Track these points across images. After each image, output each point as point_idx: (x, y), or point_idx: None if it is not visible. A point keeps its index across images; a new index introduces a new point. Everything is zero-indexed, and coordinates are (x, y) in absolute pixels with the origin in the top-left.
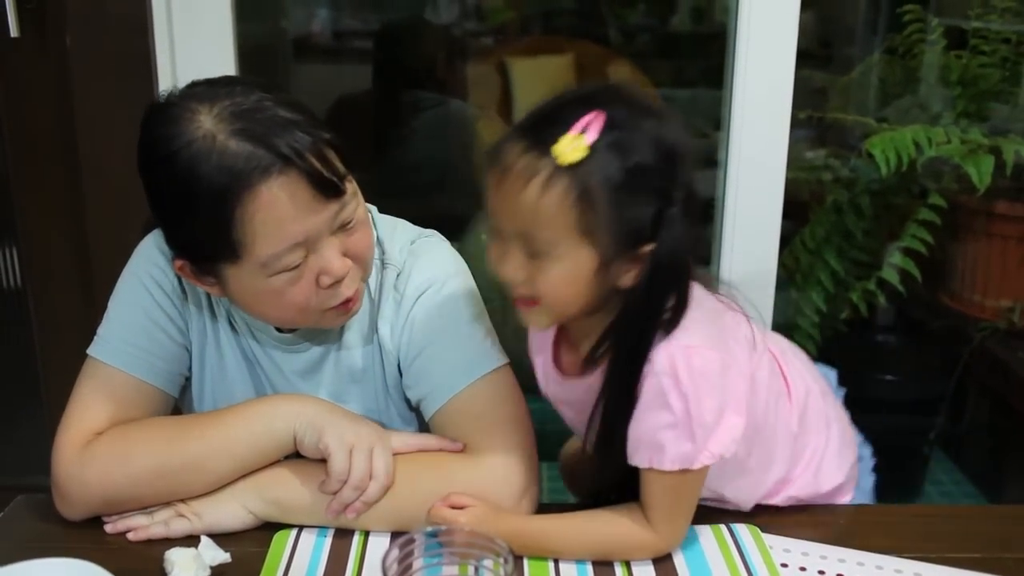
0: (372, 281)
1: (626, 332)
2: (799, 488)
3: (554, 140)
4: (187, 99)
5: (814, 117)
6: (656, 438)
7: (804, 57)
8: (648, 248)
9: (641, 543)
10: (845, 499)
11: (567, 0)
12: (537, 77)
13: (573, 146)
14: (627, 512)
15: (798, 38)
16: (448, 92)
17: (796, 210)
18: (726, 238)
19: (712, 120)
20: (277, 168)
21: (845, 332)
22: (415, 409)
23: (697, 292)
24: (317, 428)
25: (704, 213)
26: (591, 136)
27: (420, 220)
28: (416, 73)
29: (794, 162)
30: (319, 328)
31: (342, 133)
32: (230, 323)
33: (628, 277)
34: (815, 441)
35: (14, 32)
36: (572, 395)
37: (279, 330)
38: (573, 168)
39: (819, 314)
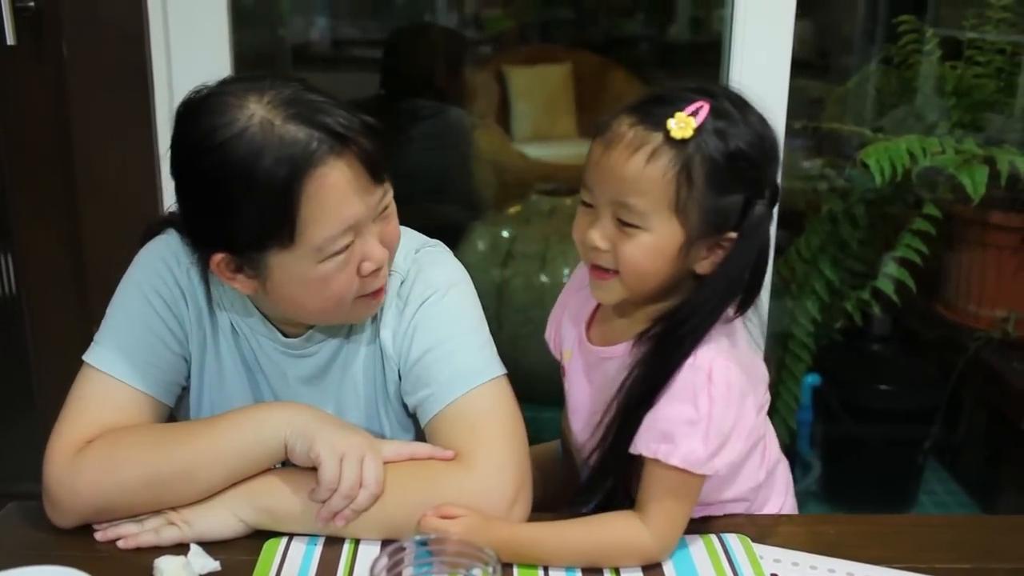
0: None
1: (691, 314)
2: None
3: (665, 117)
4: (228, 91)
5: (810, 127)
6: (671, 429)
7: (801, 67)
8: (731, 236)
9: (635, 547)
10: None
11: (565, 10)
12: (535, 86)
13: (683, 123)
14: (621, 517)
15: (795, 48)
16: (446, 100)
17: (792, 219)
18: None
19: None
20: (336, 150)
21: (840, 341)
22: (413, 415)
23: (737, 322)
24: (308, 436)
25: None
26: (700, 118)
27: (418, 228)
28: (415, 81)
29: (790, 171)
30: (327, 332)
31: None
32: (233, 331)
33: (706, 263)
34: (773, 502)
35: (10, 40)
36: (594, 371)
37: (285, 335)
38: (680, 144)
39: (814, 323)
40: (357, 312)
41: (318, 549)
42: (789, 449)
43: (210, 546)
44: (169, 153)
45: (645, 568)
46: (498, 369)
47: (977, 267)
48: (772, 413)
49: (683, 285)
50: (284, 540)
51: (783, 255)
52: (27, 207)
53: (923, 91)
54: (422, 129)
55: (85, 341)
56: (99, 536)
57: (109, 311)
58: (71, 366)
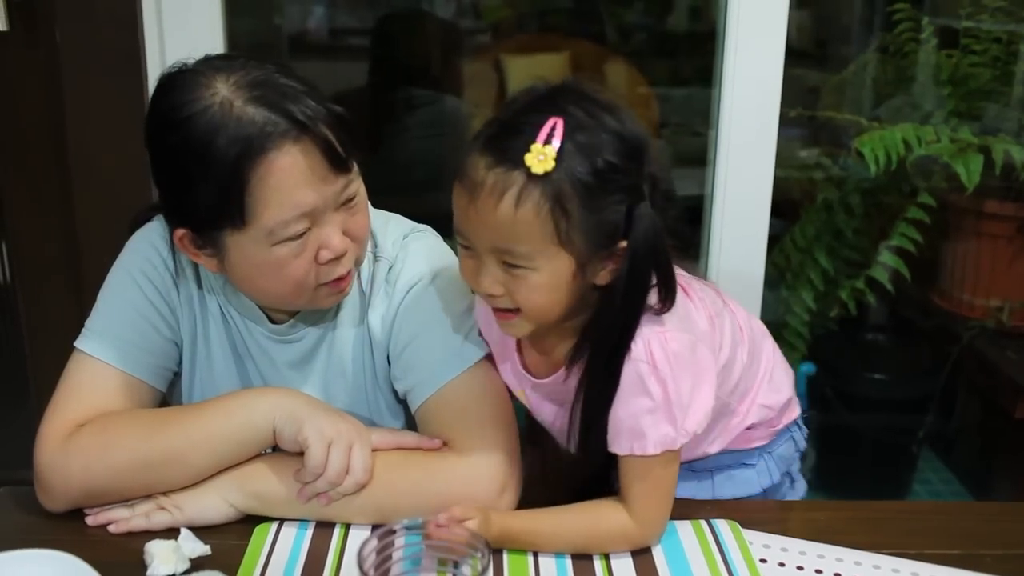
0: (364, 273)
1: (609, 326)
2: (764, 397)
3: (520, 151)
4: (201, 68)
5: (806, 116)
6: (637, 424)
7: (798, 56)
8: (623, 244)
9: (623, 534)
10: (795, 415)
11: None
12: (533, 75)
13: (542, 156)
14: (610, 504)
15: (792, 37)
16: (443, 89)
17: (787, 209)
18: (714, 236)
19: (707, 119)
20: (293, 135)
21: (835, 331)
22: (403, 401)
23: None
24: (296, 421)
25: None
26: (556, 143)
27: (414, 217)
28: (411, 70)
29: (786, 161)
30: (313, 318)
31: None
32: (222, 315)
33: (605, 274)
34: (764, 359)
35: (3, 26)
36: (551, 395)
37: (272, 321)
38: (545, 177)
39: (809, 313)
40: (321, 299)
41: (308, 534)
42: None
43: (201, 531)
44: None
45: (635, 556)
46: (479, 353)
47: (972, 256)
48: None
49: (590, 296)
50: (274, 525)
51: (778, 244)
52: (21, 195)
53: (919, 80)
54: (418, 118)
55: (79, 329)
56: (90, 520)
57: (100, 297)
58: (66, 354)
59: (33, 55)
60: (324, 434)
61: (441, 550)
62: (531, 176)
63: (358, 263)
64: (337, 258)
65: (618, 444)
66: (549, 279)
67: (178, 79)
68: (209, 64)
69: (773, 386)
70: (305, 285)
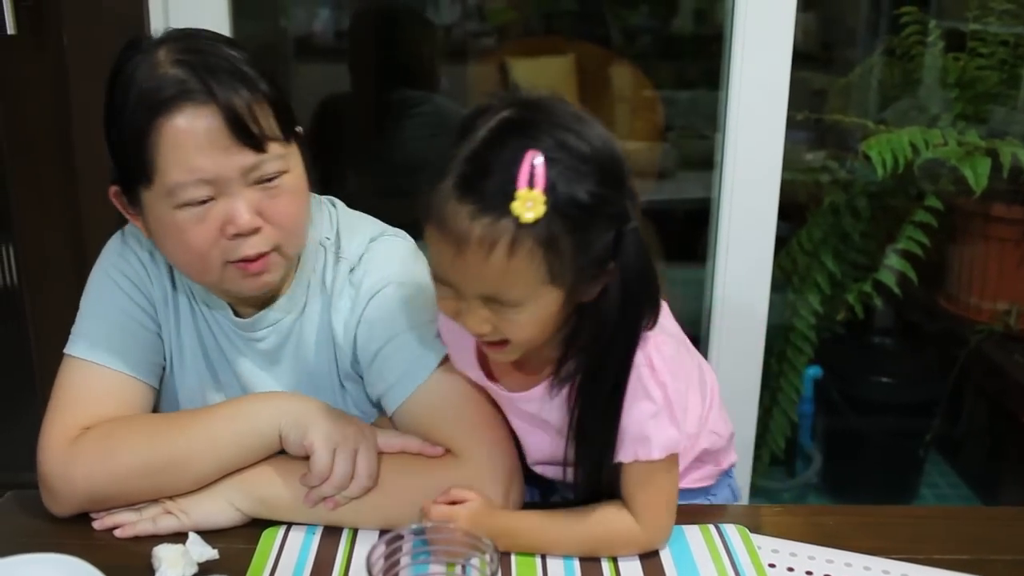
0: (328, 275)
1: (602, 340)
2: (713, 424)
3: (502, 197)
4: (161, 36)
5: (812, 119)
6: (642, 431)
7: (804, 59)
8: (611, 266)
9: (630, 539)
10: (733, 459)
11: (568, 1)
12: (538, 78)
13: (530, 202)
14: (616, 509)
15: (798, 40)
16: (445, 91)
17: (794, 212)
18: (721, 239)
19: (713, 122)
20: (200, 99)
21: (842, 334)
22: (377, 404)
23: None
24: (302, 426)
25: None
26: (540, 183)
27: (412, 221)
28: (416, 74)
29: (793, 164)
30: (276, 315)
31: (332, 133)
32: (192, 311)
33: (591, 293)
34: (710, 387)
35: (11, 30)
36: (525, 408)
37: (236, 314)
38: (535, 225)
39: (816, 316)
40: (232, 281)
41: (316, 538)
42: (790, 441)
43: (208, 535)
44: None
45: (644, 560)
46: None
47: (979, 260)
48: (774, 405)
49: (573, 312)
50: (282, 529)
51: (785, 247)
52: (28, 198)
53: (926, 83)
54: (417, 120)
55: None
56: (97, 525)
57: (83, 303)
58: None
59: (41, 58)
60: (329, 439)
61: (449, 554)
62: (520, 225)
63: (286, 255)
64: (244, 235)
65: (623, 452)
66: (538, 314)
67: (136, 42)
68: (167, 34)
69: (720, 415)
70: (210, 258)
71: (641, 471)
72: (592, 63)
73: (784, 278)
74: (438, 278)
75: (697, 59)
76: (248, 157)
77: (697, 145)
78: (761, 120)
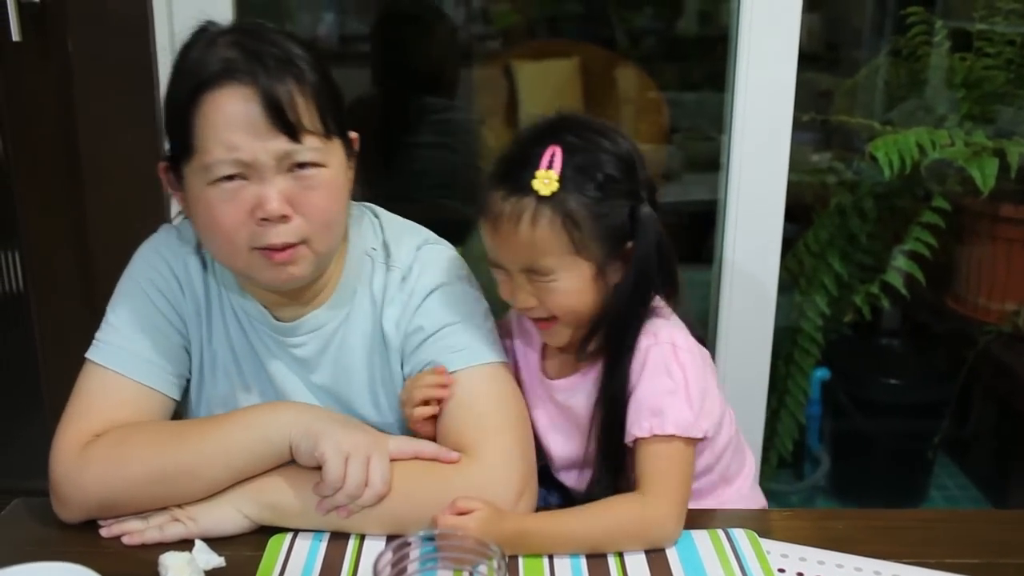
0: (377, 283)
1: (622, 317)
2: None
3: (528, 179)
4: (225, 27)
5: (819, 120)
6: (658, 404)
7: (810, 60)
8: (630, 245)
9: (642, 528)
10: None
11: (573, 4)
12: (543, 81)
13: (546, 180)
14: (625, 500)
15: (803, 40)
16: (453, 96)
17: (800, 213)
18: (728, 241)
19: (718, 123)
20: (242, 79)
21: (849, 335)
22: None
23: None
24: (312, 436)
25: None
26: (557, 166)
27: (424, 225)
28: (421, 77)
29: (798, 165)
30: (317, 322)
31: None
32: (225, 320)
33: (617, 272)
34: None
35: (16, 36)
36: (566, 399)
37: (276, 319)
38: (552, 198)
39: (823, 317)
40: (258, 269)
41: (323, 545)
42: (798, 443)
43: (215, 542)
44: None
45: (652, 564)
46: (498, 355)
47: (987, 260)
48: (781, 407)
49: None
50: (289, 536)
51: (792, 249)
52: (33, 203)
53: (932, 83)
54: (428, 125)
55: (92, 337)
56: (104, 532)
57: (110, 308)
58: (79, 363)
59: (46, 65)
60: (341, 448)
61: (456, 561)
62: (540, 198)
63: (316, 250)
64: (272, 222)
65: (638, 426)
66: (573, 284)
67: (203, 27)
68: (236, 23)
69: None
70: (237, 241)
71: (656, 451)
72: (597, 65)
73: (791, 280)
74: (491, 263)
75: (702, 61)
76: (282, 144)
77: (702, 147)
78: (767, 121)
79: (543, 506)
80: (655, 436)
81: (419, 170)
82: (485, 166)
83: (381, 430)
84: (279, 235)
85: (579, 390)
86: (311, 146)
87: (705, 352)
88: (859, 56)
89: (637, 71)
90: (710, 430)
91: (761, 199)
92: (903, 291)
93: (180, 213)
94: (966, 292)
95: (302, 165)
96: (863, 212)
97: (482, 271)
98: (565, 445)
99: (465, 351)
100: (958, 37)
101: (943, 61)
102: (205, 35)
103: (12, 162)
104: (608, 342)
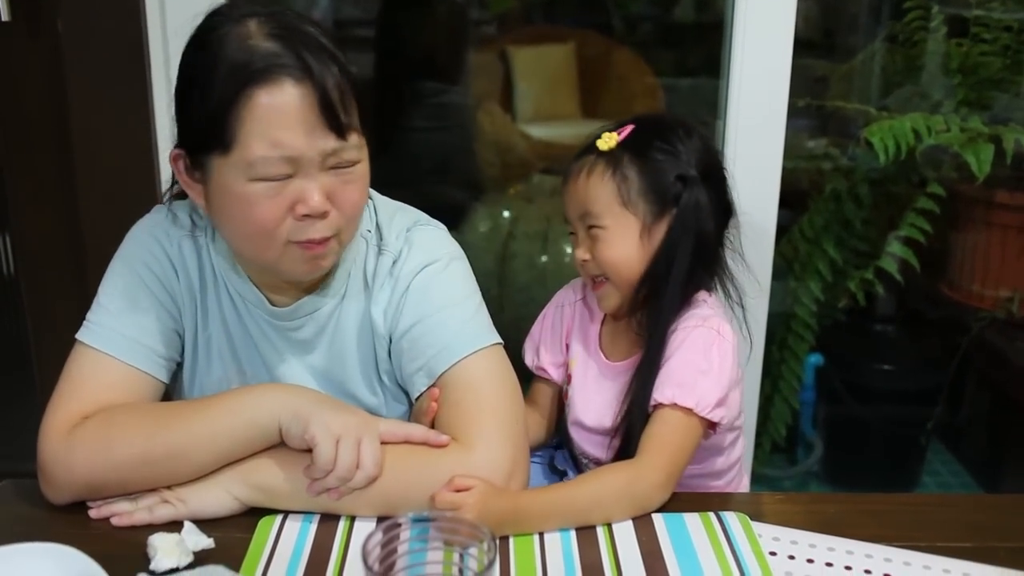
0: (370, 267)
1: (661, 282)
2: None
3: (595, 140)
4: (244, 9)
5: (814, 106)
6: (685, 378)
7: (806, 46)
8: (673, 211)
9: (625, 478)
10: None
11: None
12: (539, 66)
13: (608, 138)
14: (618, 465)
15: (799, 26)
16: (449, 80)
17: (795, 199)
18: None
19: (713, 109)
20: (296, 75)
21: (843, 321)
22: (405, 390)
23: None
24: (302, 419)
25: None
26: (624, 134)
27: (419, 209)
28: (417, 61)
29: (794, 151)
30: (315, 304)
31: None
32: (220, 303)
33: (659, 233)
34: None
35: (4, 16)
36: (618, 379)
37: (275, 305)
38: (608, 153)
39: (817, 303)
40: (292, 263)
41: (313, 527)
42: (791, 429)
43: (204, 524)
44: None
45: (643, 548)
46: (489, 338)
47: (981, 247)
48: (775, 393)
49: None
50: (279, 518)
51: (786, 235)
52: (24, 187)
53: (928, 69)
54: (424, 109)
55: (84, 321)
56: (93, 513)
57: (101, 289)
58: (70, 346)
59: (35, 45)
60: (331, 430)
61: (446, 542)
62: (600, 153)
63: (342, 242)
64: (313, 217)
65: (662, 392)
66: (619, 236)
67: (220, 10)
68: (254, 7)
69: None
70: (275, 236)
71: (666, 418)
72: (593, 51)
73: (785, 265)
74: (565, 218)
75: (697, 47)
76: (330, 141)
77: None
78: (762, 107)
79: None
80: (675, 405)
81: (413, 154)
82: (480, 150)
83: (376, 413)
84: (319, 230)
85: (626, 372)
86: (353, 143)
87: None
88: (855, 42)
89: (633, 57)
90: (726, 419)
91: (756, 185)
92: (897, 277)
93: (168, 192)
94: (960, 278)
95: (344, 163)
96: (858, 198)
97: (476, 255)
98: (600, 408)
99: (451, 345)
100: (955, 23)
101: (940, 47)
102: (230, 22)
103: (2, 145)
104: (651, 315)
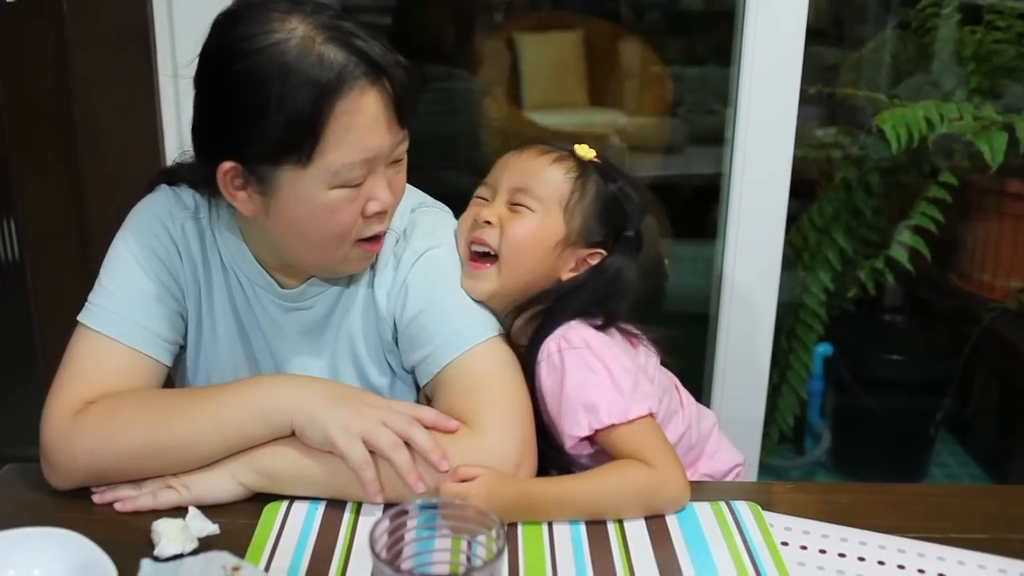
0: None
1: (551, 306)
2: (705, 467)
3: (572, 146)
4: (272, 6)
5: (824, 94)
6: (587, 399)
7: (816, 34)
8: (600, 253)
9: (653, 487)
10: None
11: None
12: (546, 53)
13: (587, 149)
14: (633, 463)
15: (810, 13)
16: (456, 66)
17: (805, 188)
18: (732, 216)
19: (722, 97)
20: (371, 77)
21: (852, 311)
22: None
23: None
24: (319, 426)
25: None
26: (599, 157)
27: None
28: (424, 47)
29: (803, 140)
30: (323, 286)
31: None
32: (228, 285)
33: (569, 271)
34: (710, 441)
35: None
36: None
37: (281, 287)
38: (582, 161)
39: (826, 293)
40: (352, 259)
41: (319, 513)
42: (799, 419)
43: (209, 509)
44: (197, 59)
45: (653, 538)
46: (494, 329)
47: (993, 236)
48: (783, 383)
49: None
50: (284, 504)
51: (796, 224)
52: (28, 170)
53: (940, 57)
54: (430, 95)
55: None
56: (97, 499)
57: (103, 271)
58: (74, 329)
59: (39, 26)
60: (349, 428)
61: (455, 530)
62: (573, 154)
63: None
64: (381, 214)
65: (577, 426)
66: (540, 229)
67: (249, 12)
68: (279, 3)
69: (714, 461)
70: (347, 238)
71: (622, 433)
72: (600, 38)
73: (794, 255)
74: (486, 182)
75: (706, 34)
76: (398, 135)
77: (705, 120)
78: (773, 95)
79: None
80: (613, 425)
81: (418, 140)
82: (486, 137)
83: (382, 394)
84: (383, 223)
85: None
86: (406, 134)
87: (626, 339)
88: (863, 30)
89: (641, 44)
90: (653, 407)
91: (766, 173)
92: (908, 266)
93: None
94: (971, 268)
95: (400, 155)
96: (868, 187)
97: None
98: None
99: (459, 334)
100: (968, 10)
101: (952, 34)
102: (285, 32)
103: (6, 127)
104: (529, 334)
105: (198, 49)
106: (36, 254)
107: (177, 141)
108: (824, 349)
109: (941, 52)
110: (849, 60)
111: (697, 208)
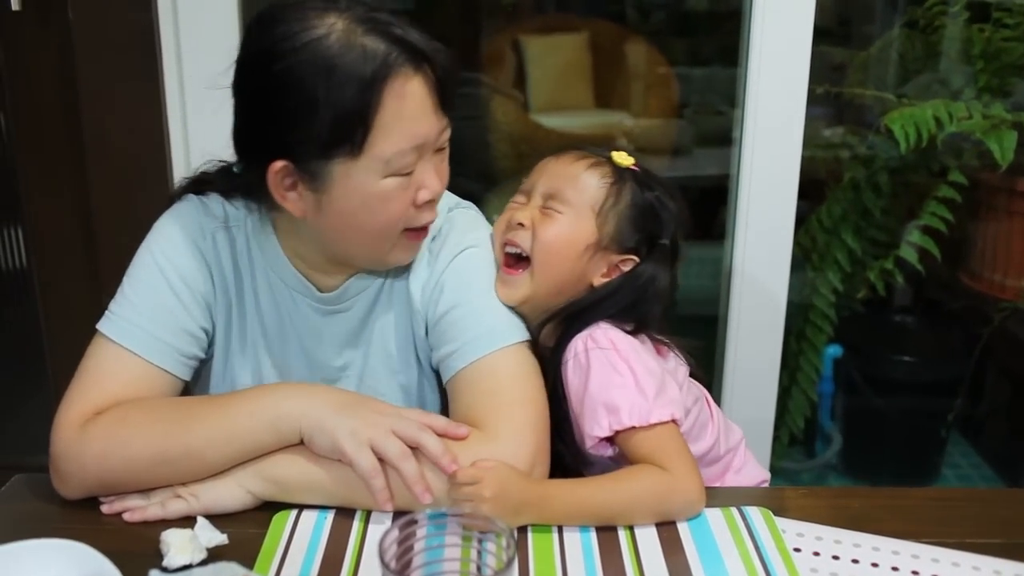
0: None
1: (579, 311)
2: (731, 480)
3: (609, 152)
4: (307, 4)
5: (832, 94)
6: (610, 399)
7: (823, 33)
8: (632, 259)
9: (670, 492)
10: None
11: None
12: (552, 55)
13: (625, 156)
14: (650, 468)
15: (817, 13)
16: (462, 70)
17: (813, 188)
18: (740, 217)
19: (728, 98)
20: (414, 64)
21: (862, 312)
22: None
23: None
24: (328, 433)
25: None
26: (636, 164)
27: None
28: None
29: (811, 140)
30: (360, 285)
31: None
32: (259, 294)
33: (601, 276)
34: (737, 455)
35: (15, 5)
36: None
37: (319, 290)
38: (619, 167)
39: (835, 294)
40: (399, 250)
41: (328, 522)
42: (809, 421)
43: (218, 519)
44: (234, 64)
45: (664, 544)
46: (522, 334)
47: (1003, 236)
48: (793, 384)
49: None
50: (293, 513)
51: (804, 225)
52: (36, 178)
53: (949, 55)
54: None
55: (97, 311)
56: (105, 509)
57: (126, 280)
58: (83, 337)
59: (46, 34)
60: (357, 436)
61: (464, 539)
62: (611, 161)
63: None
64: (431, 201)
65: (597, 425)
66: (572, 232)
67: (284, 13)
68: (314, 2)
69: (740, 476)
70: (396, 227)
71: (642, 437)
72: (606, 40)
73: (803, 256)
74: (521, 189)
75: (712, 35)
76: (444, 121)
77: (713, 122)
78: (781, 95)
79: None
80: (634, 428)
81: None
82: (493, 140)
83: (408, 392)
84: (432, 212)
85: None
86: (448, 122)
87: (655, 346)
88: (872, 29)
89: (647, 46)
90: (677, 414)
91: (774, 174)
92: (918, 266)
93: (184, 183)
94: (981, 268)
95: (444, 143)
96: (877, 187)
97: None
98: None
99: (489, 333)
100: (976, 8)
101: (960, 32)
102: (325, 27)
103: (14, 135)
104: (558, 338)
105: (204, 56)
106: (44, 262)
107: (183, 148)
108: (834, 350)
109: (949, 51)
110: (857, 59)
111: (705, 210)
